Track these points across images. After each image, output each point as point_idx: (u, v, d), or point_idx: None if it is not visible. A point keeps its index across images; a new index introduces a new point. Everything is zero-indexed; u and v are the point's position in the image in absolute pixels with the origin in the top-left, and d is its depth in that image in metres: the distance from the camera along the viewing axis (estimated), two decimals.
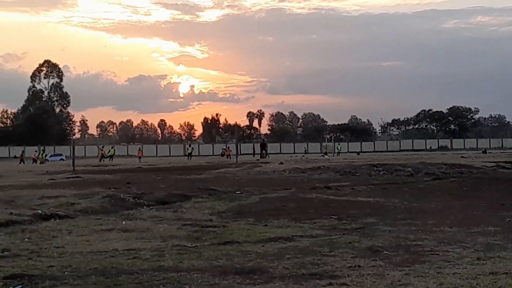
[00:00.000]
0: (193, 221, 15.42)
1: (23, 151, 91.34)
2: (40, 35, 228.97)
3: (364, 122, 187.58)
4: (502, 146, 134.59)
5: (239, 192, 23.42)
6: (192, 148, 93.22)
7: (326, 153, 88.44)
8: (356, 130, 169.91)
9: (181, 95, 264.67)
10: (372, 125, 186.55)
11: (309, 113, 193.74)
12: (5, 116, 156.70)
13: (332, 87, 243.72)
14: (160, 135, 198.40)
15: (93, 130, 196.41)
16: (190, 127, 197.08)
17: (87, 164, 55.96)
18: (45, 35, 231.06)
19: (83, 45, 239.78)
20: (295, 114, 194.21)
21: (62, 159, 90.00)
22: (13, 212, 16.47)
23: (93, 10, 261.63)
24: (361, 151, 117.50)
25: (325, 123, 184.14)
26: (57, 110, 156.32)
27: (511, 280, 8.31)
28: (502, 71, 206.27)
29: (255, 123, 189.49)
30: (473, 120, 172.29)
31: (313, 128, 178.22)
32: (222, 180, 30.54)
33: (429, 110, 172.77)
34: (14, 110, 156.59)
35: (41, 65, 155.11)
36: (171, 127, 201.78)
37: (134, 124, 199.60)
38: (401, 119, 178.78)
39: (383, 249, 10.83)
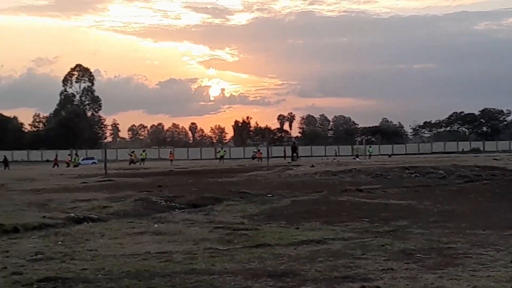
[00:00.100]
0: (225, 224, 15.42)
1: (56, 155, 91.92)
2: (72, 40, 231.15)
3: (395, 124, 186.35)
4: None
5: (271, 195, 23.43)
6: (224, 151, 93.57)
7: (357, 156, 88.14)
8: (387, 133, 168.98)
9: (212, 98, 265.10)
10: (403, 127, 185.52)
11: (340, 115, 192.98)
12: (37, 120, 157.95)
13: (363, 90, 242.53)
14: (191, 138, 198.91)
15: (124, 133, 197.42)
16: (221, 130, 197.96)
17: (119, 168, 56.14)
18: (76, 40, 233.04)
19: (114, 49, 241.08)
20: (325, 117, 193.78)
21: (94, 163, 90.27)
22: (46, 215, 16.61)
23: (124, 14, 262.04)
24: (393, 154, 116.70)
25: (356, 125, 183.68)
26: (89, 114, 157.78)
27: None
28: None
29: (286, 126, 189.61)
30: (505, 122, 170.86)
31: (344, 131, 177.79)
32: (253, 183, 30.53)
33: (461, 112, 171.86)
34: (46, 114, 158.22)
35: (73, 69, 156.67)
36: (202, 130, 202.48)
37: (165, 128, 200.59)
38: (433, 122, 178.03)
39: (416, 252, 10.77)
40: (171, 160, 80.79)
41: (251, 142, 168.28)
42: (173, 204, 20.36)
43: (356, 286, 8.31)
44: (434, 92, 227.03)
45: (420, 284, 8.30)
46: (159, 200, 20.79)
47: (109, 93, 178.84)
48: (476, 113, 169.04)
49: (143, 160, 77.51)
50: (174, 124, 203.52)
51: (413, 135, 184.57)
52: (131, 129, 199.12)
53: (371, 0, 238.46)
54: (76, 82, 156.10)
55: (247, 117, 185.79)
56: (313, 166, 44.23)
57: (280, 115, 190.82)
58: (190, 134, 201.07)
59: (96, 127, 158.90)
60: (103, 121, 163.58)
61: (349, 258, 10.31)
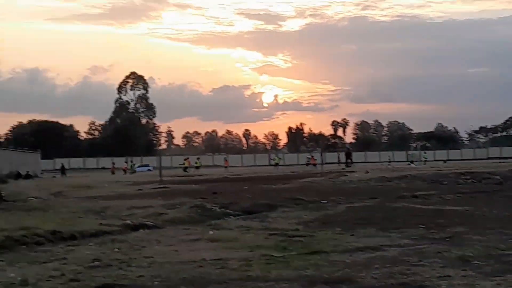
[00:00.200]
0: (280, 231, 15.41)
1: (113, 163, 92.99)
2: (126, 47, 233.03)
3: (450, 129, 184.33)
4: None
5: (325, 201, 23.37)
6: (280, 158, 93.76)
7: (412, 162, 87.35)
8: (442, 138, 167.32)
9: (265, 105, 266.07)
10: (458, 132, 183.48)
11: (394, 121, 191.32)
12: (93, 128, 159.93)
13: (417, 95, 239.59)
14: (245, 145, 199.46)
15: (178, 140, 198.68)
16: (275, 137, 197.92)
17: (174, 175, 56.59)
18: (130, 47, 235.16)
19: (167, 56, 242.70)
20: (379, 123, 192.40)
21: (150, 170, 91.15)
22: (103, 222, 16.85)
23: (177, 22, 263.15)
24: (448, 159, 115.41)
25: (411, 131, 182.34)
26: (143, 121, 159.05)
27: None
28: None
29: (340, 132, 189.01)
30: None
31: (398, 137, 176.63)
32: (307, 189, 30.49)
33: None
34: (102, 122, 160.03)
35: (127, 77, 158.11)
36: (255, 136, 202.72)
37: (219, 134, 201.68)
38: (489, 127, 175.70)
39: (473, 259, 10.63)
40: (226, 167, 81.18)
41: (304, 148, 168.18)
42: (228, 210, 20.46)
43: None
44: (489, 96, 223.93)
45: None
46: (214, 207, 20.90)
47: (163, 100, 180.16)
48: None
49: (197, 168, 77.80)
50: (228, 131, 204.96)
51: (468, 140, 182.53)
52: (185, 136, 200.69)
53: (425, 5, 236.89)
54: (131, 89, 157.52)
55: (301, 123, 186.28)
56: (367, 172, 44.02)
57: (333, 121, 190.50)
58: (244, 140, 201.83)
59: (151, 134, 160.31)
60: (157, 128, 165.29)
61: (406, 265, 10.23)
